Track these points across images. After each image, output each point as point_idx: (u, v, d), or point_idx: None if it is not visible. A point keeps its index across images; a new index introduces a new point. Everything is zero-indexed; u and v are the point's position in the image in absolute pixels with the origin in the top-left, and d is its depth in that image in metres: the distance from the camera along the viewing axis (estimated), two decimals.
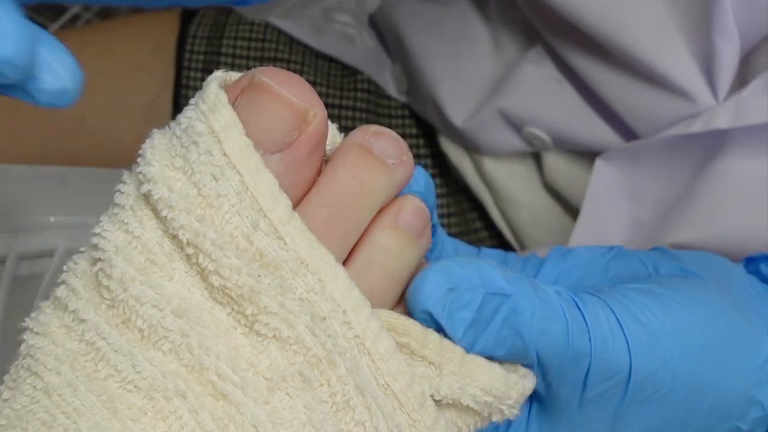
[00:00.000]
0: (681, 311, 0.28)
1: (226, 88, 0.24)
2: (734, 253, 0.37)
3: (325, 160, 0.26)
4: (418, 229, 0.26)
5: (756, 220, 0.39)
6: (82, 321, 0.23)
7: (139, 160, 0.24)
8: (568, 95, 0.46)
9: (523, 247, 0.56)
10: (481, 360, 0.25)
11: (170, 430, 0.22)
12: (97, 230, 0.24)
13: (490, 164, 0.54)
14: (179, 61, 0.61)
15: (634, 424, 0.28)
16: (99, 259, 0.23)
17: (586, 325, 0.26)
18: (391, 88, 0.62)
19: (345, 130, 0.26)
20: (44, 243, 0.48)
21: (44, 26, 0.84)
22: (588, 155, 0.47)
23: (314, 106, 0.24)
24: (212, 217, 0.22)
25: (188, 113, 0.24)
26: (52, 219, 0.49)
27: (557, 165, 0.50)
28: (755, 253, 0.35)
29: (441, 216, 0.60)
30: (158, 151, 0.23)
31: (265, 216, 0.23)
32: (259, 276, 0.22)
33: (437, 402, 0.25)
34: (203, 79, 0.25)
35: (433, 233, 0.29)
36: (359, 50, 0.62)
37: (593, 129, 0.46)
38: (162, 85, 0.61)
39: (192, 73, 0.61)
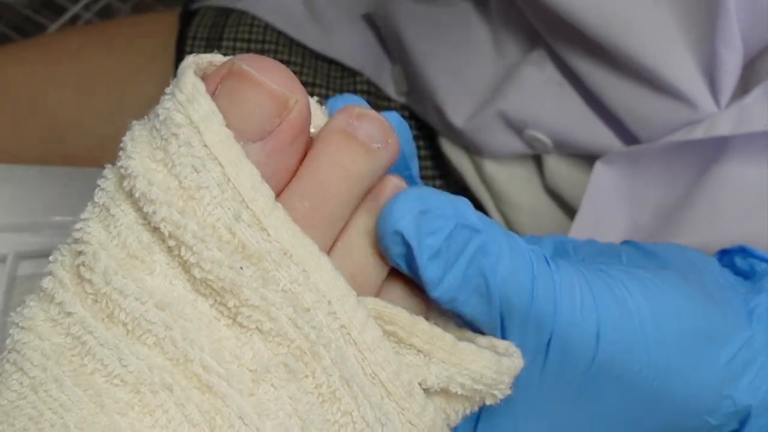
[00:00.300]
0: (660, 294, 0.27)
1: (205, 76, 0.24)
2: None
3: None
4: None
5: (756, 226, 0.39)
6: (69, 314, 0.23)
7: (120, 153, 0.23)
8: (569, 98, 0.46)
9: None
10: (472, 347, 0.25)
11: (157, 423, 0.22)
12: (78, 225, 0.24)
13: (490, 166, 0.54)
14: (179, 62, 0.61)
15: (598, 405, 0.27)
16: (81, 253, 0.23)
17: (554, 285, 0.26)
18: (391, 90, 0.62)
19: None
20: (44, 243, 0.48)
21: (44, 26, 0.84)
22: (589, 159, 0.47)
23: (295, 93, 0.23)
24: (194, 209, 0.22)
25: (166, 104, 0.23)
26: (52, 219, 0.49)
27: (558, 168, 0.50)
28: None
29: None
30: (138, 144, 0.23)
31: (248, 207, 0.22)
32: (241, 268, 0.22)
33: (426, 390, 0.24)
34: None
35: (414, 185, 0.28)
36: (344, 43, 0.61)
37: (594, 133, 0.46)
38: (161, 85, 0.60)
39: None
